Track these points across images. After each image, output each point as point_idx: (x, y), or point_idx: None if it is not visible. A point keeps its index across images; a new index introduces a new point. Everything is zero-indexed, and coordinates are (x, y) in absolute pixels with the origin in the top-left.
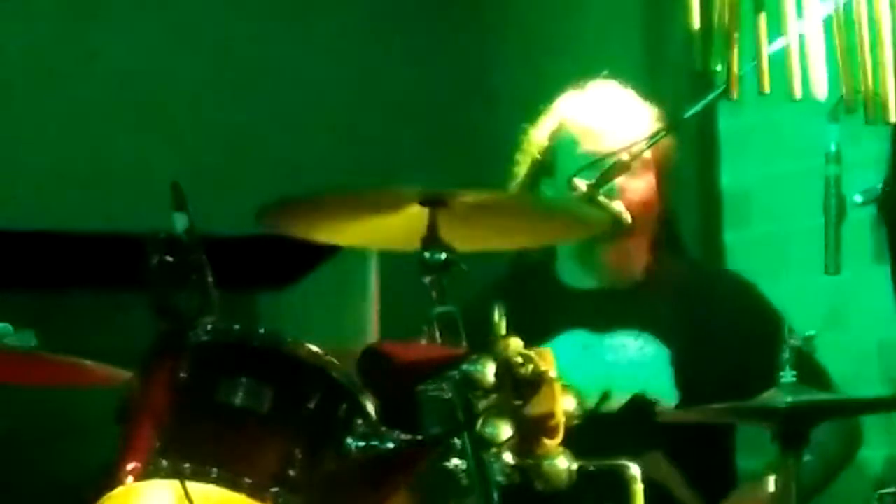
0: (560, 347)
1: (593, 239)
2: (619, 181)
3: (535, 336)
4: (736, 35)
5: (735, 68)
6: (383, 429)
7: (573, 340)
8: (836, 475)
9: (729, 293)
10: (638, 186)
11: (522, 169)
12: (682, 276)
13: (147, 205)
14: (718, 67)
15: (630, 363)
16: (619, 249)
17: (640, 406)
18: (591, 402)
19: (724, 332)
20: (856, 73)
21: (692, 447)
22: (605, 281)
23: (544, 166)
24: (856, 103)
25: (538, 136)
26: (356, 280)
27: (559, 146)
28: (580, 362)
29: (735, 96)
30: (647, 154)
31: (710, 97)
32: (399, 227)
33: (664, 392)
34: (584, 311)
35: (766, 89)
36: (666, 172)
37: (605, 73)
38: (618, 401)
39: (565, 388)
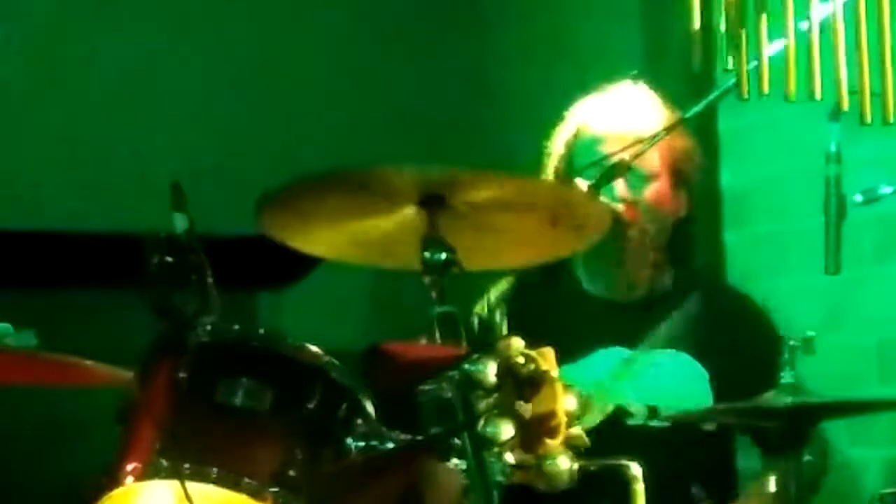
0: (601, 362)
1: (601, 250)
2: (621, 192)
3: (569, 349)
4: (743, 34)
5: (744, 68)
6: (383, 429)
7: (613, 355)
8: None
9: (744, 318)
10: (640, 199)
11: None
12: (701, 292)
13: (147, 205)
14: (730, 66)
15: (672, 381)
16: (630, 259)
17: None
18: (639, 417)
19: (744, 355)
20: (853, 74)
21: (695, 448)
22: (626, 292)
23: (564, 174)
24: (852, 104)
25: (555, 145)
26: (356, 280)
27: (576, 151)
28: (623, 377)
29: (745, 95)
30: (656, 162)
31: (711, 97)
32: (397, 230)
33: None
34: (617, 325)
35: (766, 89)
36: (684, 177)
37: (633, 73)
38: (667, 418)
39: (566, 387)
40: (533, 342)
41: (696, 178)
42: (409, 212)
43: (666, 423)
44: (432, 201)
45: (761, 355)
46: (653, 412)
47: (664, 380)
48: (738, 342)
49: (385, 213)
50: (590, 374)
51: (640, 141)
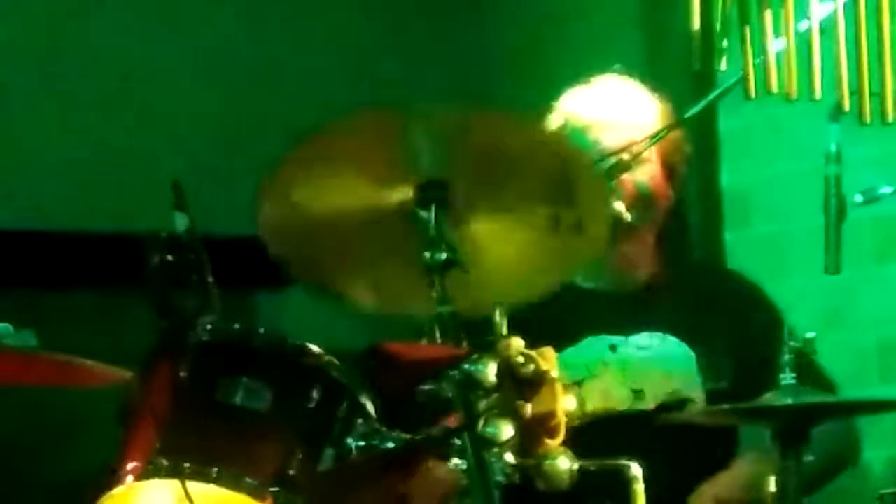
0: (588, 349)
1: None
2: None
3: (557, 339)
4: (747, 32)
5: (750, 66)
6: (383, 429)
7: (601, 342)
8: (830, 478)
9: (740, 297)
10: (637, 180)
11: None
12: (695, 278)
13: (147, 204)
14: (723, 66)
15: (661, 363)
16: (625, 249)
17: (675, 406)
18: (625, 403)
19: (737, 337)
20: (853, 74)
21: (696, 446)
22: (616, 282)
23: None
24: (852, 104)
25: None
26: None
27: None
28: (609, 362)
29: (753, 94)
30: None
31: (711, 97)
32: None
33: (695, 392)
34: (604, 313)
35: (774, 88)
36: (674, 167)
37: (616, 66)
38: (652, 400)
39: (566, 387)
40: (529, 339)
41: (684, 170)
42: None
43: (650, 407)
44: (432, 199)
45: (759, 335)
46: (638, 395)
47: (650, 362)
48: (733, 321)
49: (384, 213)
50: (577, 362)
51: (632, 133)
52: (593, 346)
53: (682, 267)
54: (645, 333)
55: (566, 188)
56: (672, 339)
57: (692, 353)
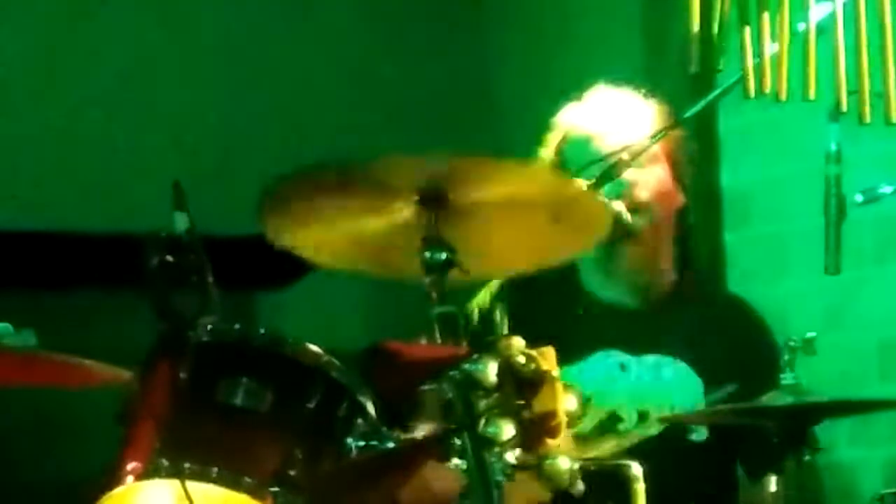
0: (598, 366)
1: (610, 244)
2: (628, 176)
3: (566, 351)
4: (747, 33)
5: (749, 65)
6: (383, 429)
7: (611, 359)
8: None
9: (745, 328)
10: (645, 179)
11: None
12: (702, 302)
13: (147, 205)
14: (721, 67)
15: (667, 388)
16: (632, 252)
17: (677, 433)
18: (629, 423)
19: (740, 367)
20: (853, 74)
21: (697, 452)
22: (628, 289)
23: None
24: (851, 104)
25: (546, 154)
26: (356, 279)
27: (567, 157)
28: (618, 381)
29: (752, 94)
30: (654, 148)
31: (711, 97)
32: (395, 233)
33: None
34: (618, 329)
35: (767, 89)
36: (680, 168)
37: (611, 78)
38: (656, 425)
39: (567, 387)
40: (532, 342)
41: (691, 171)
42: (408, 213)
43: (656, 431)
44: (433, 199)
45: (757, 367)
46: (643, 417)
47: (658, 386)
48: (735, 353)
49: (383, 213)
50: (586, 377)
51: (635, 138)
52: (603, 362)
53: (688, 282)
54: (656, 355)
55: (563, 209)
56: (682, 365)
57: (700, 381)
